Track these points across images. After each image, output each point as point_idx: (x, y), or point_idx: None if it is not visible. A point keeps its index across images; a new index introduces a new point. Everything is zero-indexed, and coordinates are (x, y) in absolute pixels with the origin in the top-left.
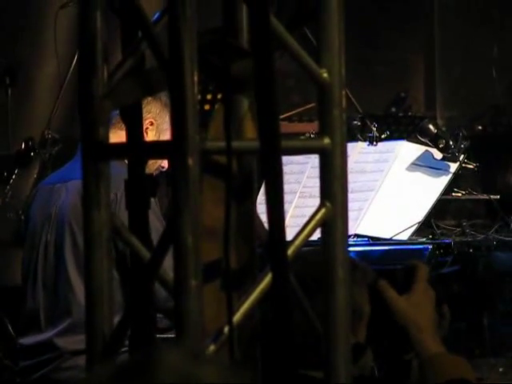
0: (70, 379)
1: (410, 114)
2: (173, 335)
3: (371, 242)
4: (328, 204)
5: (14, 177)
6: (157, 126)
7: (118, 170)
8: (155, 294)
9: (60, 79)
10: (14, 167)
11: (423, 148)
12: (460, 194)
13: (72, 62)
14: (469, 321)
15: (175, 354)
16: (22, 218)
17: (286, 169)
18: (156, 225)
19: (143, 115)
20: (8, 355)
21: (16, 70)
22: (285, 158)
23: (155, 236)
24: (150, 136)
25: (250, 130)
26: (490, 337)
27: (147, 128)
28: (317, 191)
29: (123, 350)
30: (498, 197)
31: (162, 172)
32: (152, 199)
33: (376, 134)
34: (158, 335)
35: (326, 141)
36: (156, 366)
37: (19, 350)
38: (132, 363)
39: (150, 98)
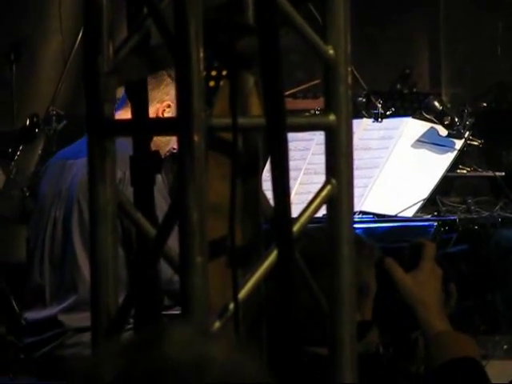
0: (74, 356)
1: (414, 90)
2: (178, 312)
3: (376, 219)
4: (333, 181)
5: (18, 153)
6: (174, 108)
7: (127, 148)
8: (159, 274)
9: (64, 55)
10: (18, 143)
11: (428, 125)
12: (465, 171)
13: (76, 38)
14: (474, 298)
15: (183, 329)
16: (27, 194)
17: (290, 145)
18: (161, 202)
19: (161, 97)
20: (12, 331)
21: (20, 47)
22: (290, 135)
23: (159, 214)
24: None
25: (255, 106)
26: (494, 314)
27: (164, 110)
28: (322, 168)
29: (128, 327)
30: (503, 173)
31: (173, 153)
32: (159, 176)
33: (381, 110)
34: (163, 312)
35: (332, 117)
36: (164, 341)
37: (24, 326)
38: (140, 339)
39: (168, 80)
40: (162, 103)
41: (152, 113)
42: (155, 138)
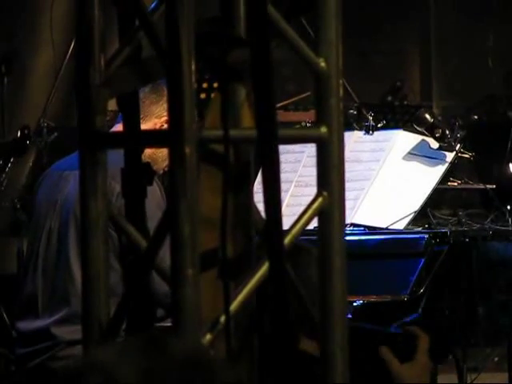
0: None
1: (406, 103)
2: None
3: (367, 231)
4: (325, 193)
5: (9, 165)
6: None
7: (122, 160)
8: (155, 288)
9: (56, 67)
10: (9, 155)
11: (419, 137)
12: (456, 184)
13: (68, 50)
14: (464, 310)
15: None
16: (18, 206)
17: (282, 158)
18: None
19: (160, 112)
20: (3, 343)
21: (11, 59)
22: (281, 147)
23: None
24: None
25: (247, 118)
26: (485, 326)
27: (162, 126)
28: (313, 180)
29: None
30: (494, 186)
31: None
32: (157, 189)
33: (372, 123)
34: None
35: (323, 130)
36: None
37: (16, 336)
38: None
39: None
40: (160, 118)
41: (149, 127)
42: (152, 153)
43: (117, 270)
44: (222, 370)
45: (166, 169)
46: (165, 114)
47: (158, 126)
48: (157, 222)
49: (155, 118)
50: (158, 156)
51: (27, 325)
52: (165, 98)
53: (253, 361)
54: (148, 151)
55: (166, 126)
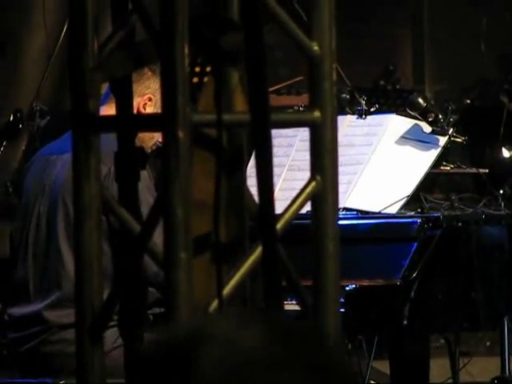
0: (57, 352)
1: (398, 87)
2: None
3: (360, 215)
4: (318, 177)
5: (1, 149)
6: (155, 101)
7: (112, 144)
8: (145, 268)
9: (48, 51)
10: (1, 139)
11: (412, 121)
12: (449, 168)
13: (60, 34)
14: (458, 295)
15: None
16: (10, 190)
17: (274, 142)
18: (148, 199)
19: (142, 91)
20: None
21: (4, 43)
22: (273, 132)
23: (147, 210)
24: (149, 111)
25: (240, 102)
26: (478, 311)
27: (145, 103)
28: (306, 164)
29: (111, 324)
30: (487, 170)
31: (158, 147)
32: (145, 172)
33: (365, 107)
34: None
35: (317, 114)
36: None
37: (8, 321)
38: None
39: (149, 73)
40: (143, 97)
41: (133, 106)
42: (140, 133)
43: (107, 254)
44: (336, 350)
45: (153, 147)
46: (147, 91)
47: (141, 105)
48: (146, 204)
49: (138, 97)
50: (144, 135)
51: (19, 309)
52: (145, 76)
53: None
54: None
55: (149, 103)
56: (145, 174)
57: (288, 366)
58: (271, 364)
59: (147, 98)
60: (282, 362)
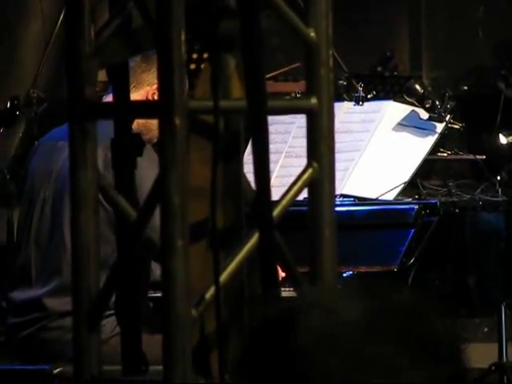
0: (55, 339)
1: (395, 73)
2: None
3: (357, 202)
4: (315, 164)
5: None
6: None
7: (110, 129)
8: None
9: (45, 38)
10: None
11: (409, 108)
12: (446, 154)
13: (58, 21)
14: (455, 281)
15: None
16: (8, 177)
17: (271, 128)
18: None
19: (151, 80)
20: None
21: (1, 30)
22: (270, 118)
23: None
24: None
25: (236, 89)
26: (475, 297)
27: (154, 93)
28: (303, 151)
29: (108, 313)
30: (484, 157)
31: None
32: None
33: (362, 93)
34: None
35: (313, 101)
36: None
37: (6, 306)
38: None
39: None
40: (152, 86)
41: (141, 96)
42: (146, 121)
43: (111, 243)
44: (440, 327)
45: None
46: (156, 81)
47: (150, 94)
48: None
49: (147, 86)
50: (151, 124)
51: (20, 294)
52: (155, 66)
53: (242, 331)
54: (141, 120)
55: (157, 93)
56: (155, 156)
57: (386, 341)
58: (369, 337)
59: (156, 87)
60: (381, 337)
